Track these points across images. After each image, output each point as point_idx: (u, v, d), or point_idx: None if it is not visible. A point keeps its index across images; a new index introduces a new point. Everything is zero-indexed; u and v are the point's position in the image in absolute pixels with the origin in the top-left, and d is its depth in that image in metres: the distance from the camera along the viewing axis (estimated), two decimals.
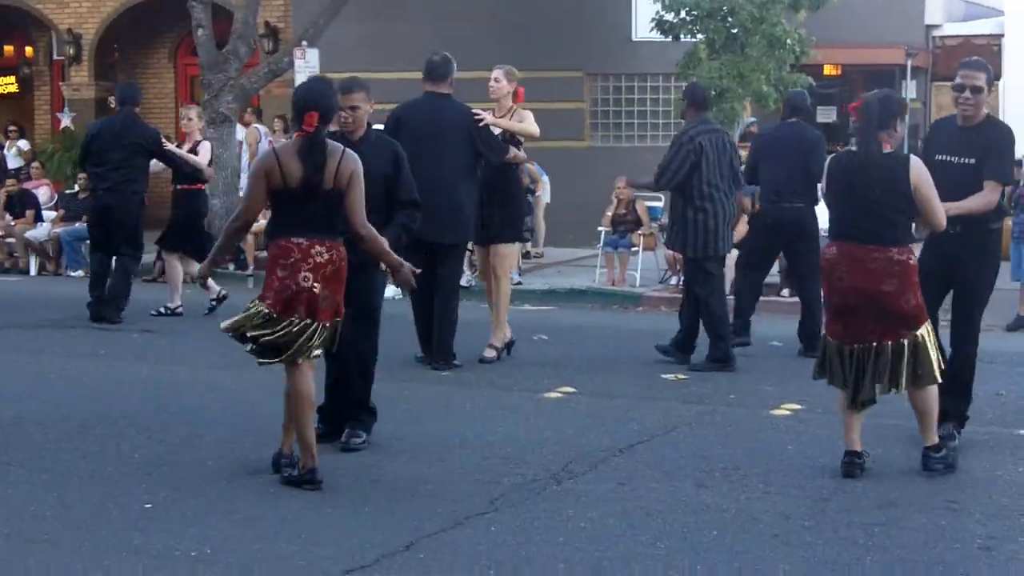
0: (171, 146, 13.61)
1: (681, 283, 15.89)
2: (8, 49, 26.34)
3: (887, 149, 7.12)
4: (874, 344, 7.09)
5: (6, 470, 7.21)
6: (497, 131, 10.64)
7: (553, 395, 9.57)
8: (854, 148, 7.28)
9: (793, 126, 11.74)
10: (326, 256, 6.91)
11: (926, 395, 7.20)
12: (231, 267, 16.99)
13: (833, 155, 7.52)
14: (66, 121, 23.41)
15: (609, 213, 16.90)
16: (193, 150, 13.69)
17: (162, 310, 13.55)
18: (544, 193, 19.04)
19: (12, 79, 25.72)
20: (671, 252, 15.95)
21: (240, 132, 18.67)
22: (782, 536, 6.19)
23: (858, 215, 7.11)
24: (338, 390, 7.86)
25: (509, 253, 11.22)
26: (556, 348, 11.71)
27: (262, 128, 21.93)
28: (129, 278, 13.39)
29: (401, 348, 10.55)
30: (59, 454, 7.62)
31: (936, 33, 23.59)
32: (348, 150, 7.08)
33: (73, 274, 18.01)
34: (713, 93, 17.41)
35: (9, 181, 20.29)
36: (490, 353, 10.89)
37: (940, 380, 7.23)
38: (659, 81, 21.27)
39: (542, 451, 7.72)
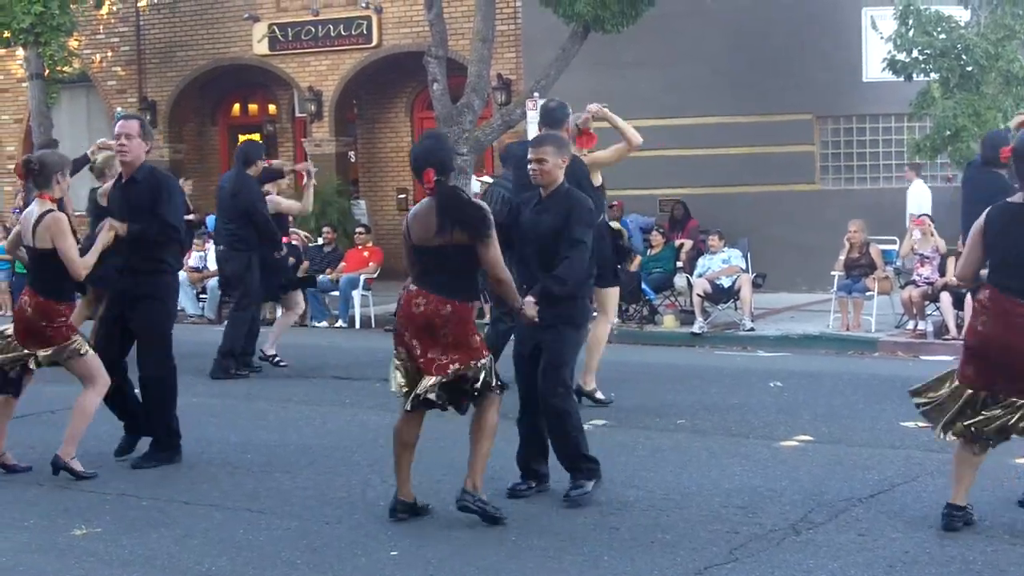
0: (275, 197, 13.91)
1: (917, 327, 15.68)
2: (253, 108, 27.53)
3: None
4: (1004, 398, 6.83)
5: (257, 517, 7.51)
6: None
7: (790, 443, 9.49)
8: (1015, 198, 6.91)
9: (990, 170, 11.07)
10: (422, 308, 7.06)
11: None
12: None
13: (995, 204, 7.03)
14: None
15: (842, 257, 16.69)
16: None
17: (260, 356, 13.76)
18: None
19: (257, 136, 26.75)
20: (907, 295, 15.74)
21: (475, 184, 19.02)
22: None
23: (1012, 267, 6.82)
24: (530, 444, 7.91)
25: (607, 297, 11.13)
26: (791, 395, 11.61)
27: None
28: (237, 333, 13.38)
29: (634, 397, 10.60)
30: (306, 501, 7.89)
31: None
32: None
33: (318, 324, 18.56)
34: (948, 133, 17.12)
35: None
36: None
37: None
38: (891, 122, 20.97)
39: (780, 500, 7.69)
